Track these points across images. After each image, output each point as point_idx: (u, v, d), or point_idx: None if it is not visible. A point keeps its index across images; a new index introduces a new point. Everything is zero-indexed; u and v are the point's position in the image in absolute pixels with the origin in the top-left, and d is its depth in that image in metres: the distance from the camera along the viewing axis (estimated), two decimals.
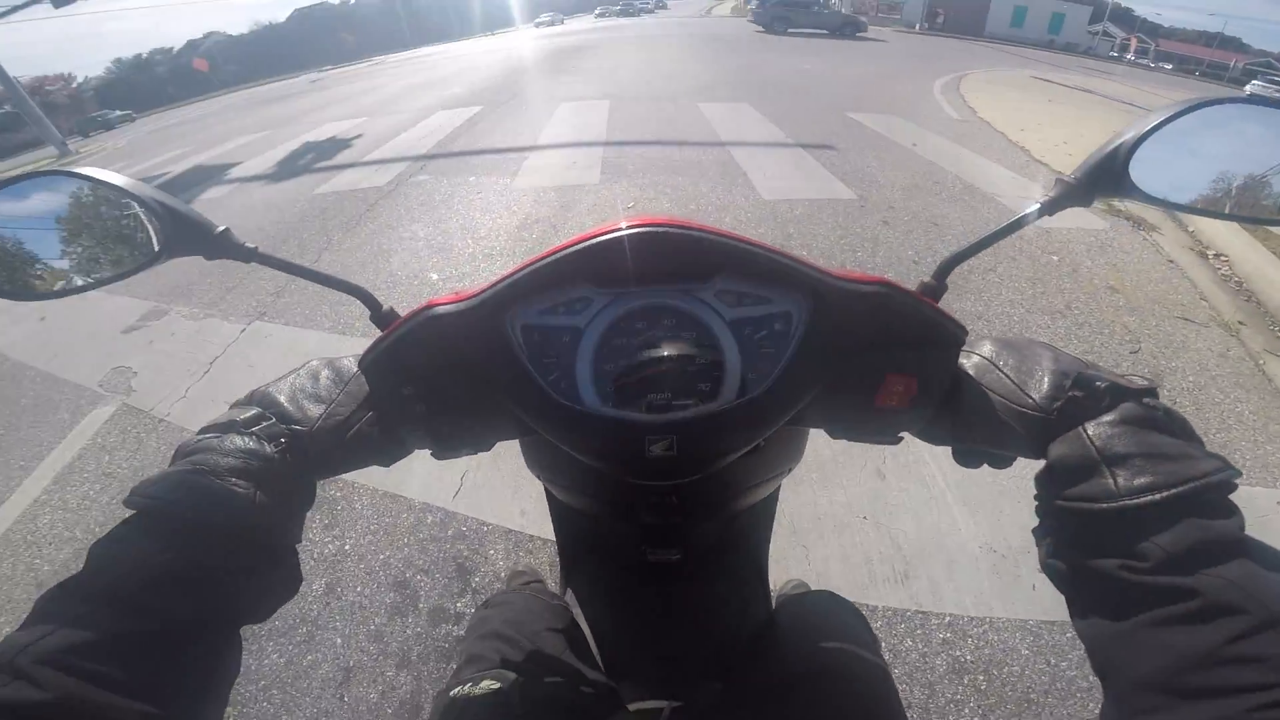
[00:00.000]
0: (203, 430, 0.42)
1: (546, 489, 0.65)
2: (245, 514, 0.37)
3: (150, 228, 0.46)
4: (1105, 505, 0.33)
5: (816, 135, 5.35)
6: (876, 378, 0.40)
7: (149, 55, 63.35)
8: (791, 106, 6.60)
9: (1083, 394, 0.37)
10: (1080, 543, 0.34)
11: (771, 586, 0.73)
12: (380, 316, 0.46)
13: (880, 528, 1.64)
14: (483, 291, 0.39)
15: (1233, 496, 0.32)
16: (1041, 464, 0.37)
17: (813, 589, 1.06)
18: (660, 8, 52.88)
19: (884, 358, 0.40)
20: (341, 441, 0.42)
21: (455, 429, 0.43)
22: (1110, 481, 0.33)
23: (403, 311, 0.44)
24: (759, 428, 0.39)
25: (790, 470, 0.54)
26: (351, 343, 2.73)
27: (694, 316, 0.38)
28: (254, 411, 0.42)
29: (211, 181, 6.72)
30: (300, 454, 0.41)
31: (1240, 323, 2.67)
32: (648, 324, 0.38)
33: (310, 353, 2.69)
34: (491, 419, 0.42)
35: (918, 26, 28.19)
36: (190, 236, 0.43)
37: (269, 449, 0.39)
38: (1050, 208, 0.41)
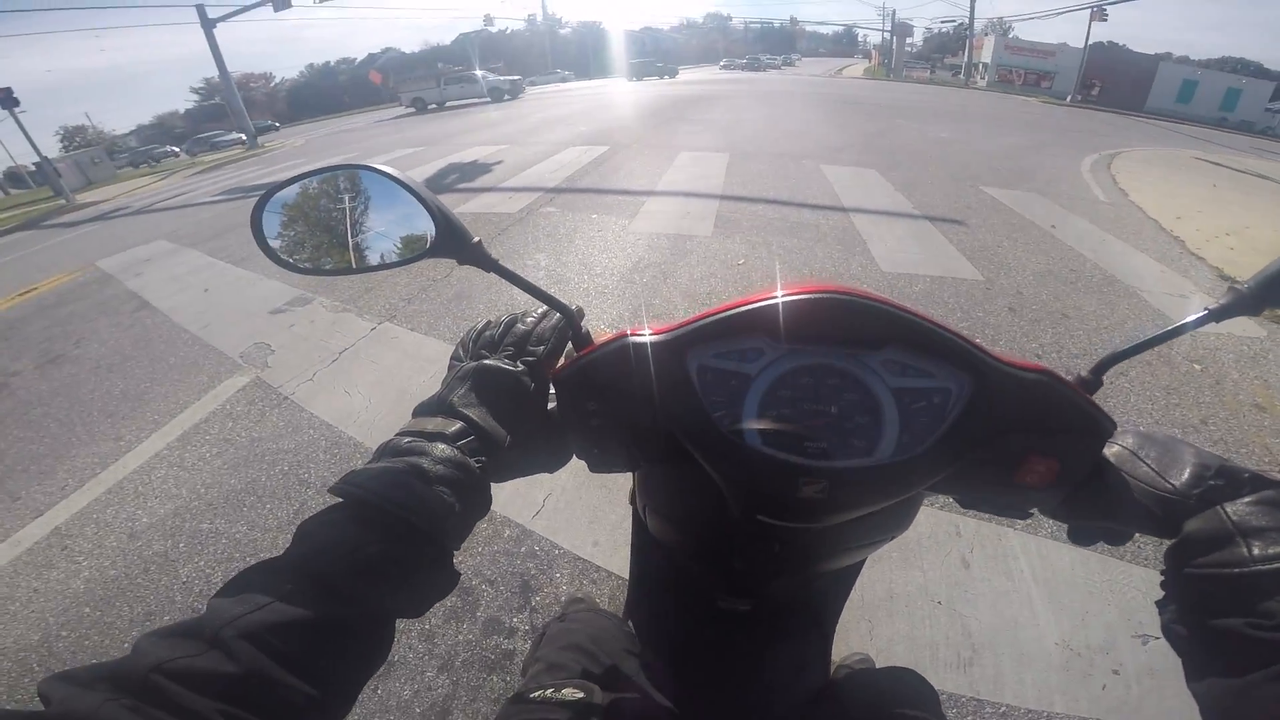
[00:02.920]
0: (405, 432, 0.45)
1: (639, 519, 0.66)
2: (445, 520, 0.40)
3: (423, 230, 0.52)
4: (1237, 570, 0.34)
5: (946, 208, 5.15)
6: (1019, 455, 0.42)
7: (335, 63, 71.98)
8: (922, 176, 6.40)
9: (1224, 482, 0.38)
10: (1206, 606, 0.36)
11: (833, 657, 0.73)
12: (579, 336, 0.51)
13: (953, 614, 1.57)
14: (672, 329, 0.43)
15: None
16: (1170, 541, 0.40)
17: (879, 665, 1.02)
18: (789, 65, 53.85)
19: (1030, 438, 0.42)
20: (524, 452, 0.46)
21: (618, 446, 0.47)
22: (1244, 550, 0.35)
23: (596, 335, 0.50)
24: (904, 488, 0.42)
25: (893, 538, 0.55)
26: None
27: (859, 380, 0.42)
28: (459, 426, 0.44)
29: None
30: (492, 468, 0.44)
31: None
32: (814, 380, 0.42)
33: (430, 359, 2.96)
34: (648, 443, 0.46)
35: (1069, 98, 26.43)
36: (453, 241, 0.49)
37: (472, 462, 0.43)
38: (1218, 315, 0.41)
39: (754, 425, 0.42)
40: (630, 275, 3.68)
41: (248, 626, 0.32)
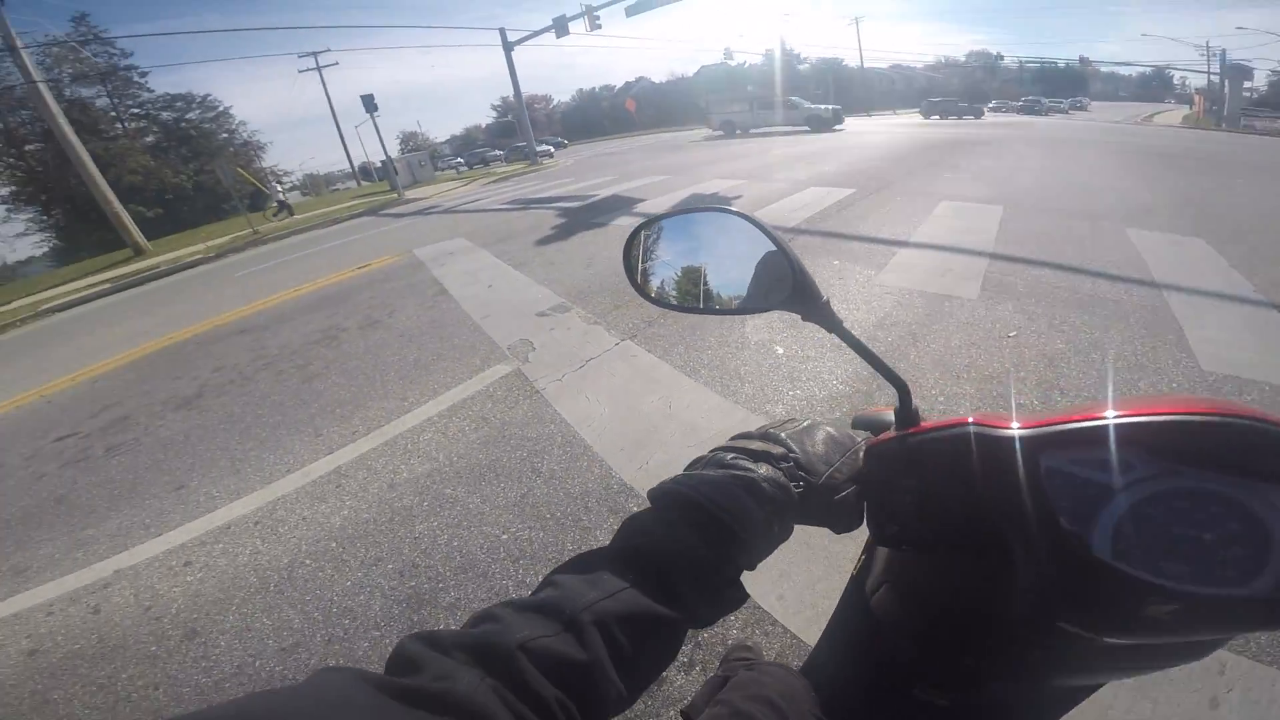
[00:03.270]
0: (724, 449, 0.48)
1: (860, 585, 0.63)
2: (763, 537, 0.42)
3: (772, 280, 0.53)
4: None
5: None
6: None
7: (598, 90, 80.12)
8: (1270, 249, 5.01)
9: None
10: None
11: None
12: (909, 413, 0.50)
13: None
14: (1027, 427, 0.41)
15: None
16: None
17: None
18: (1078, 109, 46.04)
19: None
20: (828, 501, 0.47)
21: (919, 528, 0.46)
22: None
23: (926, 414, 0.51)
24: (1254, 626, 0.38)
25: (1167, 668, 0.48)
26: (689, 386, 3.05)
27: (1248, 510, 0.37)
28: (782, 450, 0.47)
29: (623, 210, 8.39)
30: (804, 500, 0.46)
31: None
32: (1190, 504, 0.38)
33: (659, 381, 3.16)
34: (956, 531, 0.44)
35: None
36: (805, 297, 0.50)
37: (793, 487, 0.45)
38: None
39: (1105, 532, 0.39)
40: (873, 333, 3.50)
41: (601, 613, 0.33)
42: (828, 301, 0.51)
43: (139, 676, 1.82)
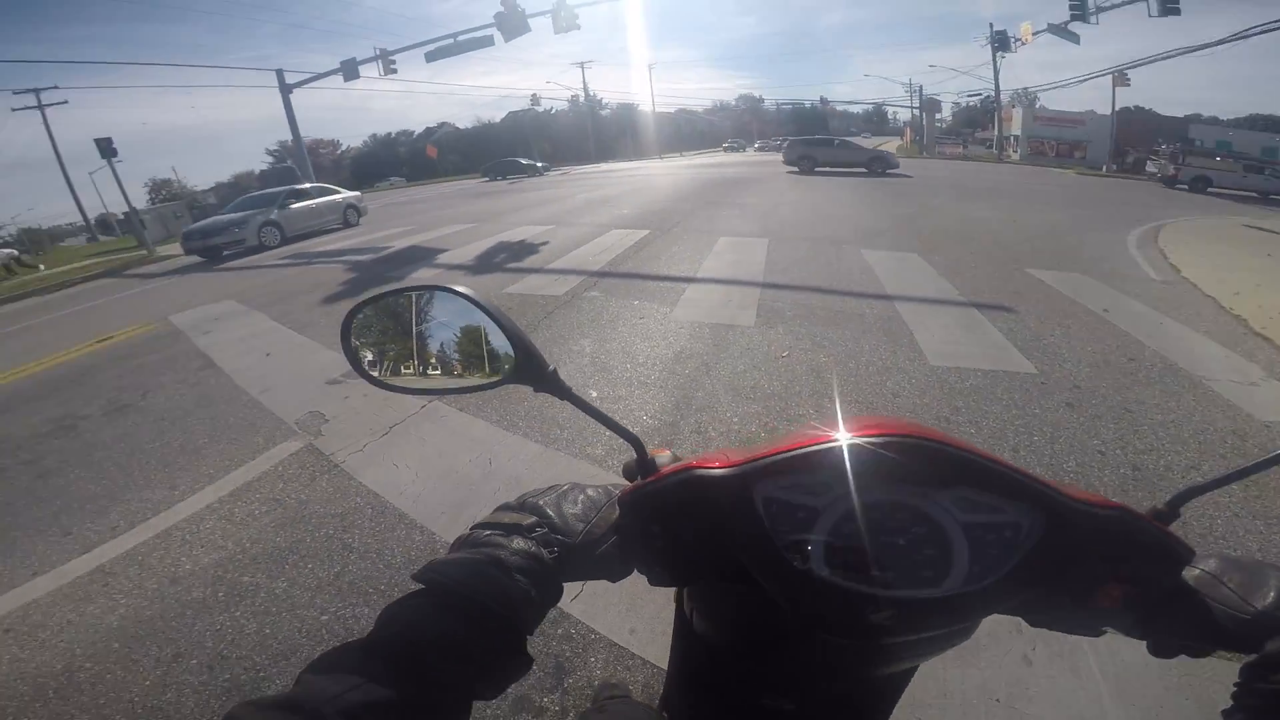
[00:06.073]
0: (481, 525, 0.49)
1: (683, 613, 0.66)
2: (522, 607, 0.43)
3: (501, 354, 0.54)
4: None
5: (992, 294, 5.10)
6: (1091, 583, 0.44)
7: (395, 135, 76.14)
8: (964, 258, 6.38)
9: None
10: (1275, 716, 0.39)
11: None
12: (644, 463, 0.54)
13: (1014, 712, 1.50)
14: (738, 464, 0.45)
15: None
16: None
17: None
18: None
19: (1104, 567, 0.43)
20: (591, 556, 0.48)
21: (677, 566, 0.49)
22: None
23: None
24: (973, 615, 0.44)
25: (952, 648, 0.54)
26: (507, 439, 2.97)
27: (928, 515, 0.43)
28: (533, 519, 0.48)
29: (424, 262, 7.96)
30: (563, 562, 0.47)
31: None
32: (882, 513, 0.43)
33: (475, 440, 3.03)
34: (708, 564, 0.48)
35: (1104, 168, 26.35)
36: (530, 369, 0.52)
37: (546, 554, 0.46)
38: None
39: (819, 554, 0.43)
40: (673, 366, 3.72)
41: (346, 705, 0.33)
42: (554, 370, 0.53)
43: None
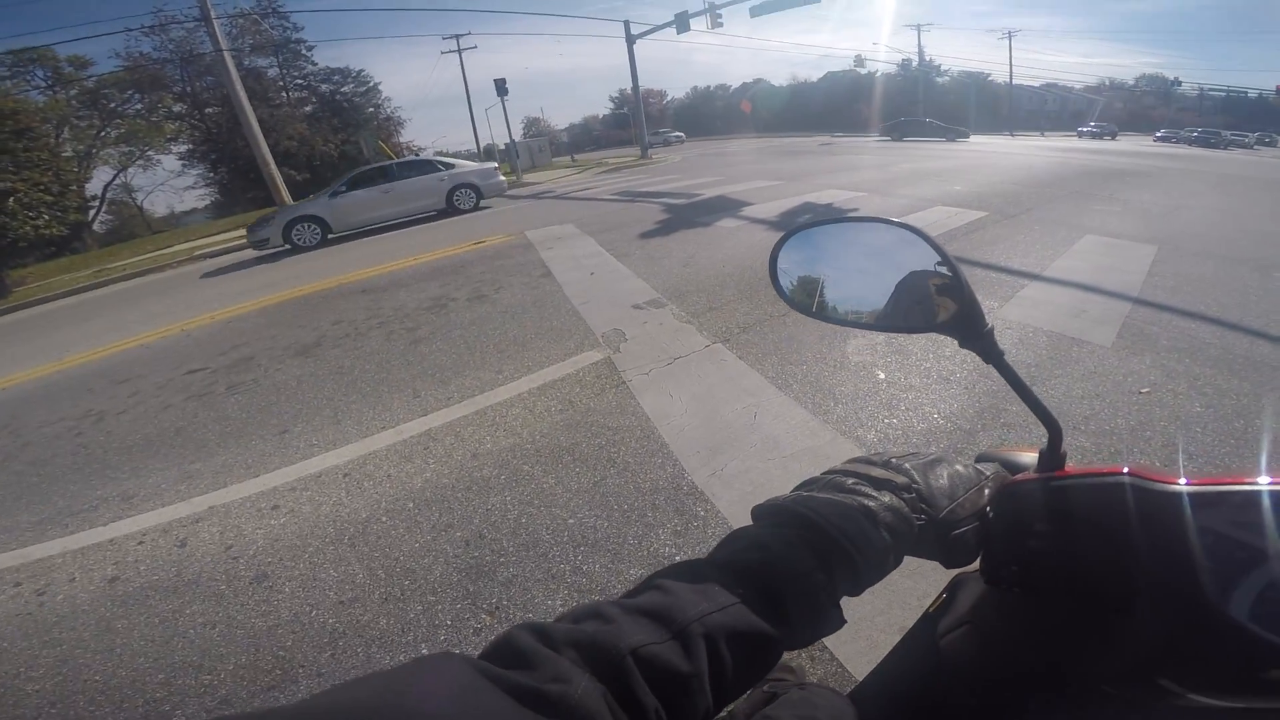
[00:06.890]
0: (842, 473, 0.47)
1: (930, 625, 0.61)
2: (877, 567, 0.41)
3: (935, 301, 0.52)
4: None
5: None
6: None
7: (713, 89, 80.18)
8: None
9: None
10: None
11: None
12: (1055, 456, 0.49)
13: None
14: (1193, 485, 0.39)
15: None
16: None
17: None
18: (1265, 144, 39.89)
19: None
20: (945, 536, 0.46)
21: (1039, 573, 0.45)
22: None
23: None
24: None
25: None
26: (778, 398, 2.89)
27: None
28: (905, 481, 0.46)
29: (728, 212, 8.24)
30: (925, 532, 0.45)
31: None
32: None
33: (746, 390, 3.04)
34: (1080, 581, 0.43)
35: None
36: (969, 323, 0.50)
37: (915, 519, 0.44)
38: None
39: (1244, 597, 0.36)
40: (985, 369, 3.11)
41: (711, 625, 0.33)
42: (991, 330, 0.50)
43: (200, 614, 1.95)
